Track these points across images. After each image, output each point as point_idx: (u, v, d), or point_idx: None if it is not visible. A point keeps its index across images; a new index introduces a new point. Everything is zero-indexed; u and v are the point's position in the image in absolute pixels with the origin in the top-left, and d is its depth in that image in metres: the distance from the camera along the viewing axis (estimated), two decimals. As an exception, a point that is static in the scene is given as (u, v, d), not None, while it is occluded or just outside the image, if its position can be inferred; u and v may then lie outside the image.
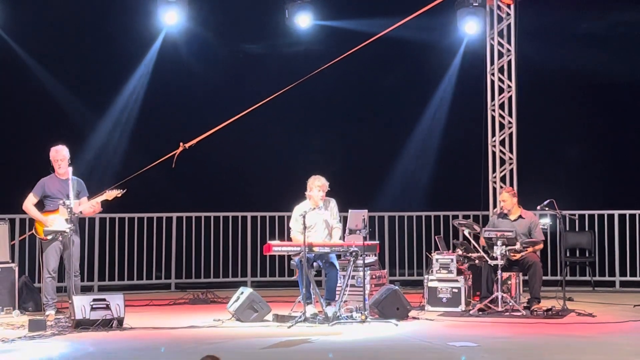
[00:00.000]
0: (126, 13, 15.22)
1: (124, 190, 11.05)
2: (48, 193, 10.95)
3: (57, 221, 10.82)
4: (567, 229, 14.55)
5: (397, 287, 10.99)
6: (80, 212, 10.98)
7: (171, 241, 14.77)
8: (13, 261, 12.04)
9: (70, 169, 10.87)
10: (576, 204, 14.20)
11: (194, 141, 14.07)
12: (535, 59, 14.84)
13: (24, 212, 11.40)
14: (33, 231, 11.23)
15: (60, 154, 10.97)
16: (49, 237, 10.86)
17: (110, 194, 11.02)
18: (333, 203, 11.19)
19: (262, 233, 14.76)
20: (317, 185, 10.97)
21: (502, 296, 11.16)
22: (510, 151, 13.90)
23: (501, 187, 13.63)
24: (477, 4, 14.13)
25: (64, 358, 8.28)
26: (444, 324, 10.57)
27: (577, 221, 14.49)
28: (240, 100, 14.81)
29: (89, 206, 10.99)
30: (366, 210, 10.57)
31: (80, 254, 11.29)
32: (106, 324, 9.81)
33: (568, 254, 14.69)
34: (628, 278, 14.57)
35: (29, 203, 11.00)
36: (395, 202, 15.97)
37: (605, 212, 14.72)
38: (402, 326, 10.19)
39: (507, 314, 11.03)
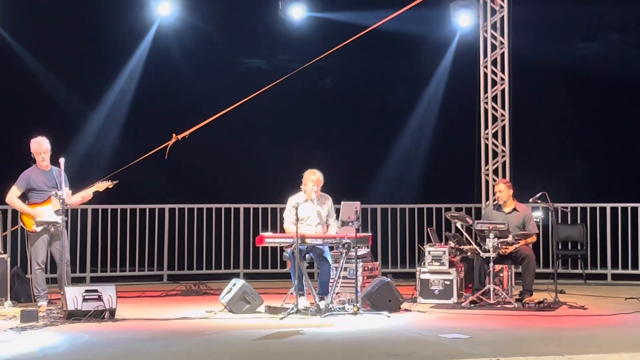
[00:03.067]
0: (119, 4, 15.20)
1: (116, 182, 11.02)
2: (33, 186, 10.85)
3: (46, 213, 10.78)
4: (559, 221, 14.59)
5: (389, 279, 11.00)
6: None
7: (164, 233, 14.77)
8: (5, 252, 12.03)
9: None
10: (568, 197, 14.23)
11: (187, 132, 14.06)
12: (528, 51, 14.86)
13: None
14: (20, 224, 11.14)
15: (43, 146, 10.86)
16: (39, 229, 10.81)
17: (101, 185, 10.99)
18: (330, 201, 11.18)
19: (255, 225, 14.76)
20: (311, 179, 10.98)
21: (494, 288, 11.18)
22: (503, 144, 13.92)
23: (494, 180, 13.67)
24: (470, -3, 14.15)
25: (56, 349, 8.27)
26: (435, 316, 10.58)
27: (569, 214, 14.51)
28: (233, 91, 14.80)
29: (80, 197, 10.98)
30: (359, 202, 10.57)
31: (72, 244, 11.27)
32: (98, 315, 9.80)
33: (560, 247, 14.71)
34: (620, 271, 14.60)
35: (13, 196, 10.90)
36: (388, 194, 15.99)
37: (597, 205, 14.74)
38: (394, 318, 10.20)
39: (499, 306, 11.04)
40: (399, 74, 16.52)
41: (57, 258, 10.87)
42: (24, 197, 10.93)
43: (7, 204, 13.05)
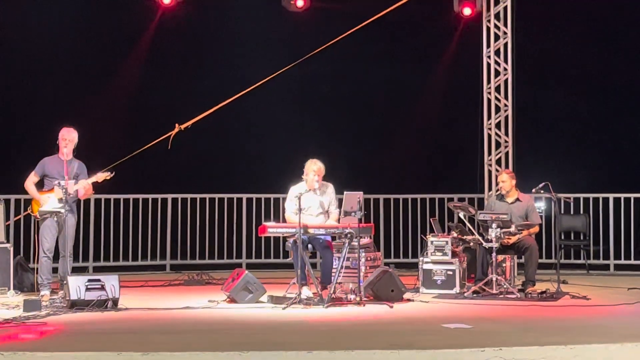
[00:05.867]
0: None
1: (112, 174, 11.05)
2: (47, 173, 10.94)
3: (51, 201, 10.81)
4: (562, 212, 14.58)
5: (391, 269, 11.00)
6: (76, 192, 10.99)
7: (166, 222, 14.78)
8: (8, 241, 12.05)
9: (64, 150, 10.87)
10: (571, 187, 14.22)
11: (190, 122, 14.05)
12: (531, 41, 14.83)
13: (20, 193, 11.38)
14: (29, 210, 11.21)
15: (70, 134, 10.98)
16: (40, 218, 10.85)
17: (100, 176, 11.04)
18: (331, 189, 11.19)
19: (258, 214, 14.76)
20: (312, 169, 10.99)
21: (497, 279, 11.18)
22: (506, 134, 13.92)
23: (497, 170, 13.66)
24: (474, -14, 14.15)
25: (58, 338, 8.28)
26: (438, 306, 10.59)
27: (572, 204, 14.50)
28: (236, 81, 14.78)
29: (82, 187, 11.00)
30: (361, 192, 10.57)
31: (76, 235, 11.27)
32: (101, 305, 9.82)
33: (563, 237, 14.72)
34: (622, 261, 14.60)
35: (29, 181, 11.00)
36: (391, 184, 15.98)
37: (600, 195, 14.73)
38: (396, 308, 10.22)
39: (502, 296, 11.05)
40: (401, 63, 16.48)
41: (60, 248, 10.89)
42: (41, 184, 10.99)
43: (9, 193, 13.14)
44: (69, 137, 10.96)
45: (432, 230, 12.23)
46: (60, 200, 10.66)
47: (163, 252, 14.79)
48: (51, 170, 10.93)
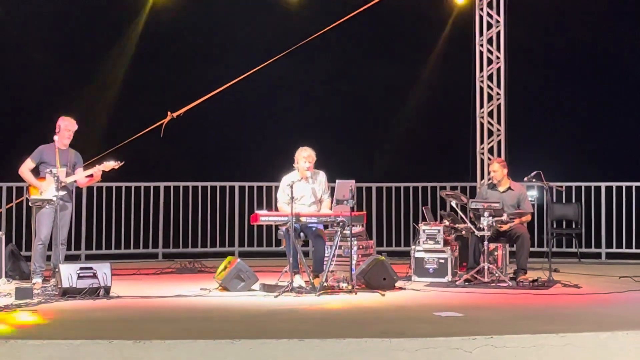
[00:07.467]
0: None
1: (122, 163, 11.02)
2: (46, 160, 10.91)
3: (51, 188, 10.78)
4: (554, 200, 14.61)
5: (384, 258, 11.01)
6: (75, 182, 10.99)
7: (159, 210, 14.77)
8: (0, 229, 12.01)
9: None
10: (563, 176, 14.24)
11: (182, 110, 14.02)
12: (524, 30, 14.82)
13: (11, 180, 11.33)
14: (27, 196, 11.18)
15: (74, 126, 11.01)
16: (32, 204, 10.84)
17: (107, 165, 10.99)
18: (322, 176, 11.18)
19: (250, 203, 14.76)
20: (303, 156, 10.97)
21: (489, 267, 11.20)
22: (499, 122, 13.93)
23: (489, 158, 13.67)
24: (466, -26, 14.13)
25: (50, 326, 8.28)
26: (430, 294, 10.60)
27: (563, 193, 14.51)
28: (228, 69, 14.76)
29: (84, 176, 10.98)
30: (353, 181, 10.56)
31: (70, 223, 11.26)
32: (93, 293, 9.80)
33: (554, 226, 14.75)
34: (614, 250, 14.64)
35: (25, 168, 10.95)
36: (383, 172, 15.99)
37: (592, 184, 14.77)
38: (388, 296, 10.22)
39: (493, 284, 11.06)
40: (394, 52, 16.47)
41: (53, 236, 10.87)
42: (37, 171, 10.97)
43: (1, 181, 13.10)
44: (73, 129, 10.98)
45: (424, 219, 12.24)
46: (57, 188, 10.64)
47: (155, 241, 14.79)
48: (49, 159, 10.89)
